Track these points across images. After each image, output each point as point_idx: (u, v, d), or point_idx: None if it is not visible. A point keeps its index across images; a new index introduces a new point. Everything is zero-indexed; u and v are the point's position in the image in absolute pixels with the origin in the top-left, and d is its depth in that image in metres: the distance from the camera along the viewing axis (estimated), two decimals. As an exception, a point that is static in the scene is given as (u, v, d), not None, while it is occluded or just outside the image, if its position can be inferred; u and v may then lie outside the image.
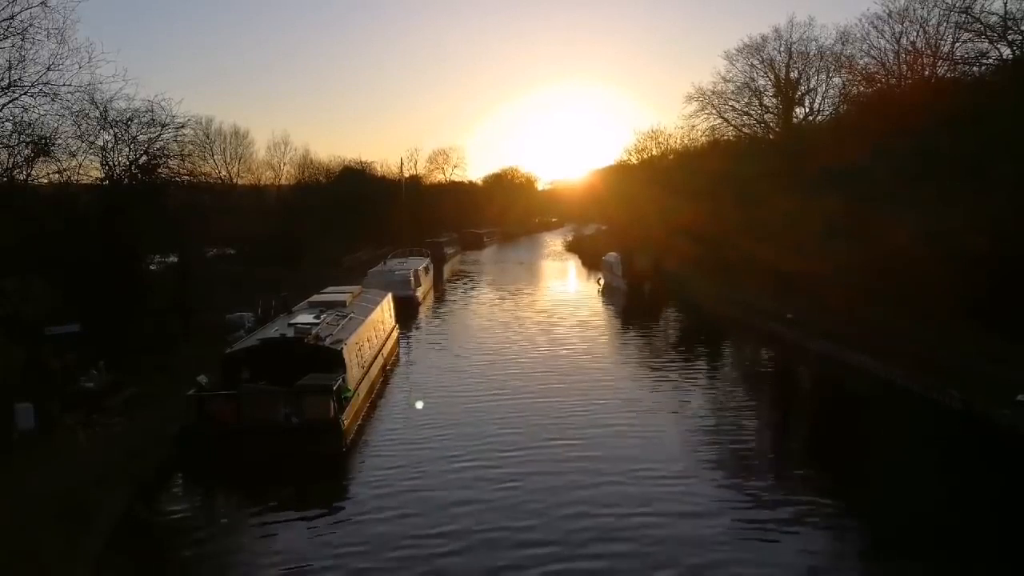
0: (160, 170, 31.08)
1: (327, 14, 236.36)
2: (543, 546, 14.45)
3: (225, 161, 71.11)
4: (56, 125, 26.47)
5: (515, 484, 17.58)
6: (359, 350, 25.07)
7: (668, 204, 56.40)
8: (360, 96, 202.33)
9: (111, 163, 29.72)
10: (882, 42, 43.13)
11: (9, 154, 25.75)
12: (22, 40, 23.73)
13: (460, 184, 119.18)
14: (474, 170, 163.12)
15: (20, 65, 24.09)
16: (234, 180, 70.49)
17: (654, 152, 78.78)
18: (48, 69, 24.53)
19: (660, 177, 64.45)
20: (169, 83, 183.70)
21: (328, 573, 13.85)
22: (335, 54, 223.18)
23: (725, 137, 57.91)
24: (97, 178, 29.85)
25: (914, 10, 40.32)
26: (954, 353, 25.90)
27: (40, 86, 24.50)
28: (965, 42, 36.35)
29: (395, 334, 35.01)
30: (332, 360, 22.16)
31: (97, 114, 28.46)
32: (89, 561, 13.83)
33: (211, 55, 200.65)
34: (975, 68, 35.39)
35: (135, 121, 29.65)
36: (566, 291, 58.90)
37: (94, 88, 27.64)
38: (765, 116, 55.22)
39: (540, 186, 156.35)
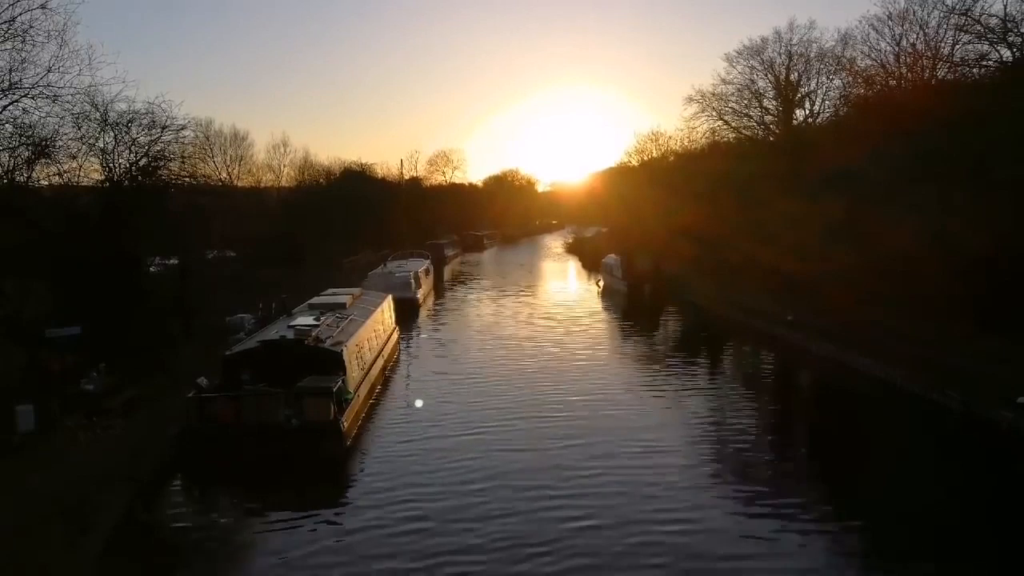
0: (160, 172, 31.08)
1: (327, 15, 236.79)
2: (550, 557, 14.32)
3: (225, 163, 71.08)
4: (56, 127, 26.56)
5: (517, 485, 17.56)
6: (359, 352, 25.06)
7: (668, 206, 56.47)
8: (360, 98, 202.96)
9: (111, 165, 29.76)
10: (882, 44, 43.24)
11: (9, 156, 25.81)
12: (22, 42, 23.77)
13: (460, 186, 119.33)
14: (474, 172, 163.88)
15: (20, 67, 24.14)
16: (234, 182, 70.48)
17: (654, 154, 78.97)
18: (48, 71, 24.57)
19: (660, 179, 64.50)
20: (169, 85, 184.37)
21: (328, 574, 13.85)
22: (335, 56, 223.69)
23: (725, 139, 57.96)
24: (97, 180, 29.94)
25: (914, 12, 40.44)
26: (954, 354, 25.90)
27: (40, 88, 24.54)
28: (965, 44, 36.45)
29: (395, 336, 35.01)
30: (332, 362, 22.16)
31: (97, 116, 28.52)
32: (89, 562, 13.83)
33: (211, 57, 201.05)
34: (975, 70, 35.42)
35: (135, 123, 29.70)
36: (566, 293, 58.92)
37: (94, 90, 27.72)
38: (765, 118, 55.28)
39: (540, 188, 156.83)
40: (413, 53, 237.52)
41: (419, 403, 25.15)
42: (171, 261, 36.25)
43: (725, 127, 57.25)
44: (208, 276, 37.53)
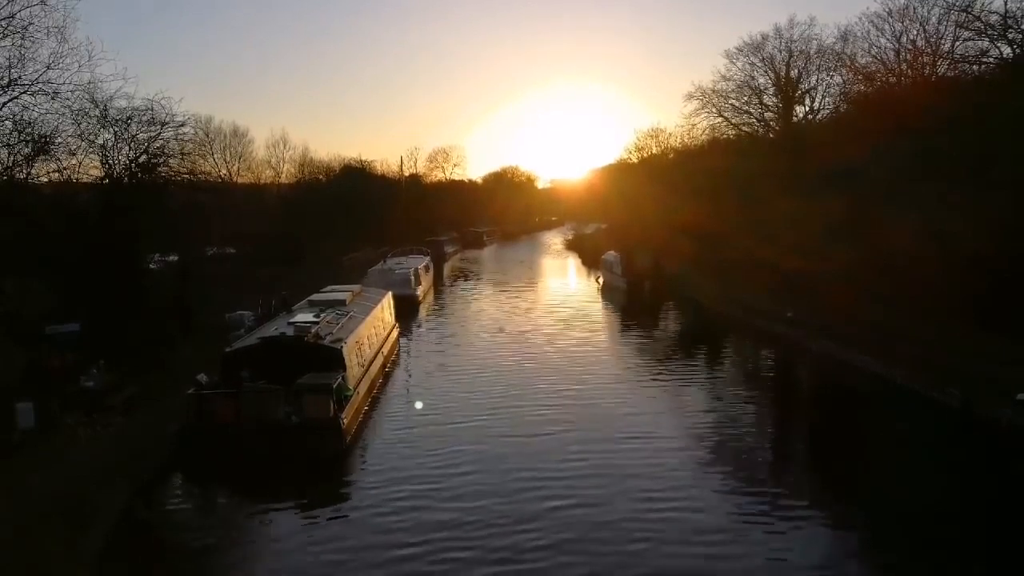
0: (160, 169, 31.06)
1: (326, 12, 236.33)
2: (548, 550, 14.46)
3: (225, 160, 71.08)
4: (56, 124, 26.46)
5: (517, 483, 17.56)
6: (359, 349, 25.08)
7: (668, 203, 56.37)
8: (359, 95, 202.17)
9: (111, 162, 29.73)
10: (882, 41, 43.22)
11: (9, 153, 25.75)
12: (22, 38, 23.73)
13: (460, 183, 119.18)
14: (474, 169, 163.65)
15: (20, 63, 24.09)
16: (234, 179, 70.46)
17: (654, 151, 78.84)
18: (48, 67, 24.54)
19: (660, 176, 64.42)
20: (168, 82, 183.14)
21: (328, 571, 13.87)
22: (334, 52, 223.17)
23: (725, 136, 57.90)
24: (97, 177, 29.89)
25: (914, 9, 40.42)
26: (954, 352, 25.89)
27: (40, 84, 24.50)
28: (965, 40, 36.40)
29: (395, 333, 35.02)
30: (332, 359, 22.17)
31: (97, 113, 28.45)
32: (89, 560, 13.84)
33: (210, 54, 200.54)
34: (975, 66, 35.42)
35: (135, 120, 29.65)
36: (566, 289, 58.91)
37: (94, 87, 27.67)
38: (765, 115, 55.21)
39: (540, 185, 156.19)
40: (413, 50, 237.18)
41: (419, 404, 25.14)
42: (171, 258, 36.23)
43: (725, 124, 57.26)
44: (208, 273, 37.52)
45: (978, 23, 33.81)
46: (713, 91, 56.04)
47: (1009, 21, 32.35)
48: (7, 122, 24.91)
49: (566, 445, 20.24)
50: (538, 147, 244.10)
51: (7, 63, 23.88)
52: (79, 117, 27.50)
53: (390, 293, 36.92)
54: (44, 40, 24.22)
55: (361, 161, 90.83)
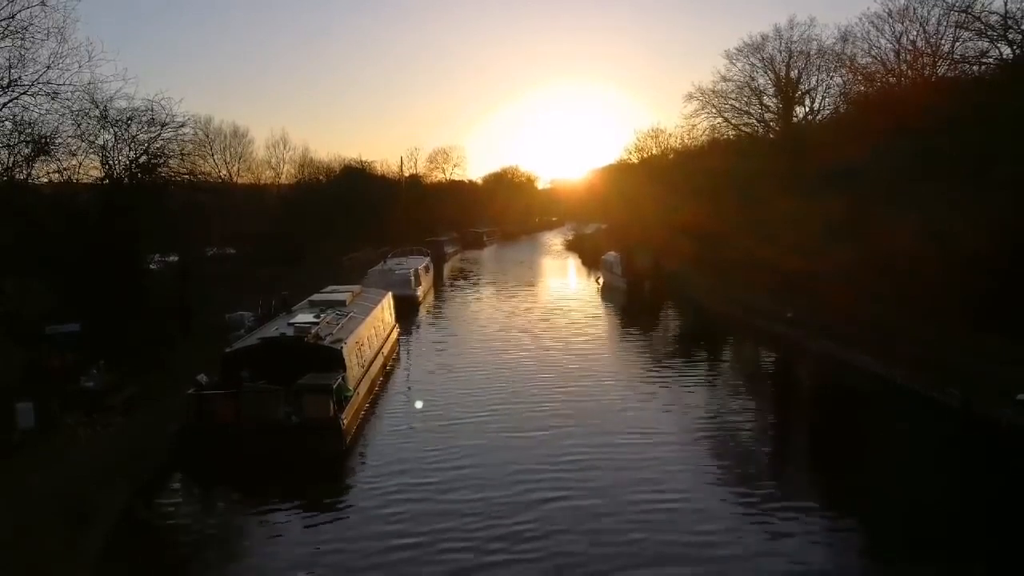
0: (160, 169, 31.08)
1: (326, 12, 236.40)
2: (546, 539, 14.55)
3: (225, 160, 71.01)
4: (56, 124, 26.47)
5: (517, 485, 17.54)
6: (359, 349, 25.09)
7: (668, 203, 56.41)
8: (360, 95, 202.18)
9: (111, 162, 29.75)
10: (882, 41, 43.20)
11: (9, 153, 25.77)
12: (22, 39, 23.77)
13: (460, 183, 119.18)
14: (474, 169, 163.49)
15: (20, 64, 24.14)
16: (234, 179, 70.44)
17: (654, 151, 78.84)
18: (48, 68, 24.58)
19: (660, 176, 64.45)
20: (168, 82, 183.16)
21: (328, 572, 13.87)
22: (334, 52, 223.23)
23: (725, 136, 57.89)
24: (97, 177, 29.91)
25: (914, 9, 40.38)
26: (954, 352, 25.89)
27: (40, 85, 24.53)
28: (965, 41, 36.38)
29: (395, 333, 35.04)
30: (332, 359, 22.18)
31: (97, 113, 28.45)
32: (89, 560, 13.84)
33: (210, 54, 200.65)
34: (975, 67, 35.41)
35: (135, 120, 29.67)
36: (566, 290, 58.97)
37: (94, 87, 27.71)
38: (765, 115, 55.17)
39: (540, 185, 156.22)
40: (413, 50, 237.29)
41: (419, 404, 25.21)
42: (171, 258, 36.25)
43: (725, 124, 57.22)
44: (208, 273, 37.51)
45: (978, 24, 33.82)
46: (713, 92, 56.06)
47: (1009, 22, 32.37)
48: (7, 123, 24.98)
49: (565, 441, 20.33)
50: (538, 147, 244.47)
51: (7, 64, 23.95)
52: (79, 118, 27.55)
53: (390, 293, 36.94)
54: (44, 41, 24.30)
55: (361, 161, 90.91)
